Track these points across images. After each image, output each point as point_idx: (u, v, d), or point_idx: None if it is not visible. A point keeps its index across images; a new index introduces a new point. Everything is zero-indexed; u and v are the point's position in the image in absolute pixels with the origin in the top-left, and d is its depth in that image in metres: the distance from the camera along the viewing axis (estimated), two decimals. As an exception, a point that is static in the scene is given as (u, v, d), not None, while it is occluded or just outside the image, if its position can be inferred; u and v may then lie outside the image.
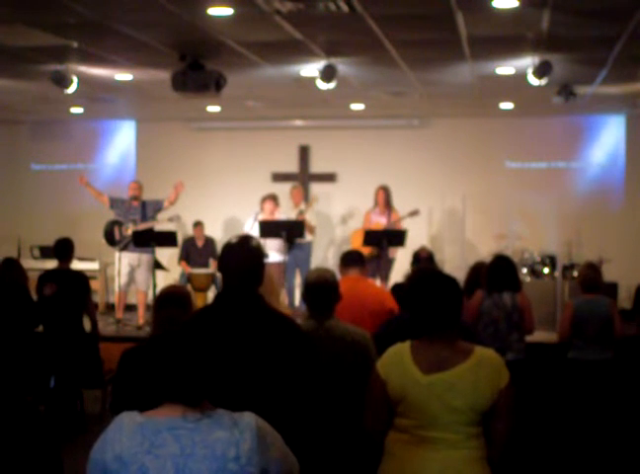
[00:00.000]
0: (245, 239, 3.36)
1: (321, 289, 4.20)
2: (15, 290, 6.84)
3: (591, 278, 6.70)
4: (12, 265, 7.07)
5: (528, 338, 6.67)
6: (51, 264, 7.95)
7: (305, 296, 4.26)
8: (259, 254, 3.32)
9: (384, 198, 11.25)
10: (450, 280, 3.27)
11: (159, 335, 2.61)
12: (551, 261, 11.32)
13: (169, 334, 2.56)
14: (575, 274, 10.98)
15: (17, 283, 6.90)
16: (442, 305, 3.17)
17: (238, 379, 3.07)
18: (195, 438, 2.43)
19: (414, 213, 11.14)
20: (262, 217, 10.90)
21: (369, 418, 3.27)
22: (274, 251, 10.53)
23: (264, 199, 11.19)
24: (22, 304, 6.79)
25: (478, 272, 6.80)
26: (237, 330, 3.15)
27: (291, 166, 13.14)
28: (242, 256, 3.26)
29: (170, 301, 4.00)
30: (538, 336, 7.70)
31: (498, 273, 6.48)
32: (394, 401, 3.15)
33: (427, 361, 3.12)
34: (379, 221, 11.21)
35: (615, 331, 6.58)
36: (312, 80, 8.69)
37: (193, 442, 2.42)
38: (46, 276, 7.57)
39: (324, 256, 12.86)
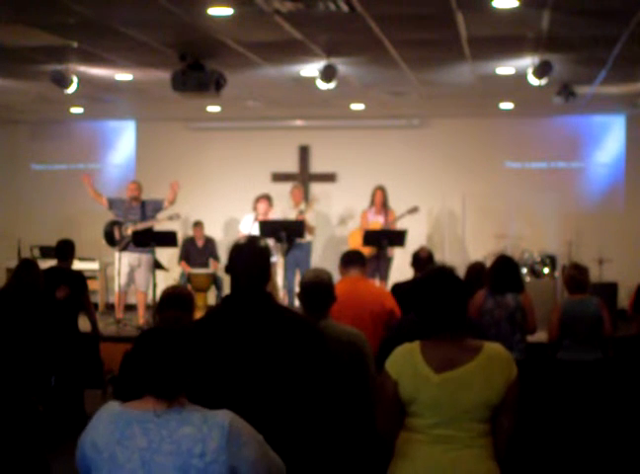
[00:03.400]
0: (253, 240, 3.38)
1: (316, 290, 4.21)
2: (32, 292, 6.82)
3: (576, 279, 6.67)
4: (30, 266, 7.04)
5: (528, 338, 6.66)
6: (52, 264, 7.96)
7: (301, 296, 4.27)
8: (266, 254, 3.34)
9: (381, 199, 11.27)
10: (456, 280, 3.27)
11: (147, 330, 2.63)
12: (551, 261, 11.32)
13: (154, 330, 2.59)
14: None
15: (34, 285, 6.88)
16: (450, 305, 3.18)
17: (253, 377, 3.08)
18: (162, 433, 2.45)
19: (413, 210, 11.16)
20: (254, 218, 10.92)
21: (381, 419, 3.26)
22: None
23: (257, 200, 11.20)
24: (35, 306, 6.78)
25: (476, 271, 6.79)
26: (251, 329, 3.16)
27: (291, 166, 13.14)
28: (251, 256, 3.28)
29: (173, 302, 4.00)
30: (538, 336, 7.69)
31: (501, 273, 6.47)
32: (406, 401, 3.14)
33: (437, 360, 3.13)
34: (377, 220, 11.22)
35: (605, 331, 6.56)
36: (312, 80, 8.69)
37: (160, 437, 2.44)
38: (46, 274, 7.57)
39: (323, 256, 12.86)
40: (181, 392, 2.51)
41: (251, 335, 3.15)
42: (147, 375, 2.49)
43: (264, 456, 2.54)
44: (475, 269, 6.86)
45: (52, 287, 7.34)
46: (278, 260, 10.76)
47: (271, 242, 10.47)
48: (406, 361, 3.18)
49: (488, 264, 7.03)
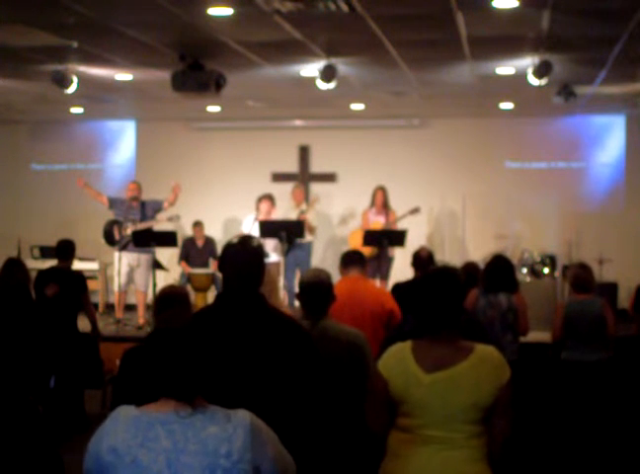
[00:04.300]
0: (246, 239, 3.36)
1: (315, 290, 4.21)
2: (18, 291, 6.84)
3: (582, 278, 6.65)
4: (15, 264, 7.07)
5: (528, 338, 6.66)
6: (52, 264, 7.98)
7: (300, 296, 4.27)
8: (260, 254, 3.32)
9: (382, 199, 11.27)
10: (454, 280, 3.26)
11: (156, 331, 2.62)
12: (551, 261, 11.33)
13: (165, 331, 2.57)
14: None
15: (20, 284, 6.90)
16: (444, 305, 3.18)
17: (240, 379, 3.07)
18: (187, 434, 2.44)
19: (415, 211, 11.18)
20: (257, 218, 10.92)
21: (371, 418, 3.27)
22: (270, 250, 10.54)
23: (260, 199, 11.20)
24: (24, 305, 6.79)
25: (468, 272, 6.78)
26: (239, 330, 3.15)
27: (291, 166, 13.14)
28: (243, 256, 3.26)
29: (170, 301, 4.01)
30: (538, 336, 7.70)
31: (495, 273, 6.46)
32: (396, 401, 3.15)
33: (428, 360, 3.13)
34: (378, 220, 11.23)
35: (609, 331, 6.55)
36: (312, 80, 8.69)
37: (185, 438, 2.43)
38: (45, 274, 7.60)
39: (324, 256, 12.86)
40: (199, 393, 2.51)
41: (238, 335, 3.14)
42: (167, 379, 2.48)
43: (281, 454, 2.57)
44: (468, 269, 6.85)
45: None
46: (280, 260, 10.74)
47: (273, 242, 10.47)
48: (397, 361, 3.18)
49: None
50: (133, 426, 2.46)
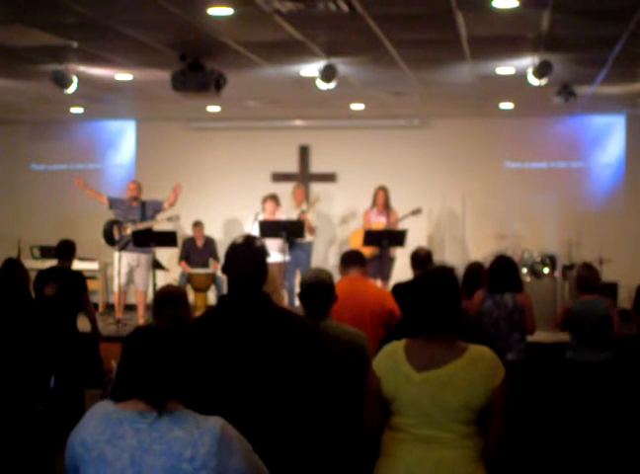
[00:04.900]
0: (249, 240, 3.37)
1: (316, 290, 4.20)
2: (17, 291, 6.84)
3: (587, 279, 6.67)
4: (14, 265, 7.08)
5: (528, 338, 6.66)
6: (52, 264, 7.99)
7: (301, 297, 4.27)
8: (263, 254, 3.34)
9: (383, 200, 11.27)
10: (450, 280, 3.26)
11: (135, 331, 2.60)
12: (551, 261, 11.32)
13: (143, 332, 2.57)
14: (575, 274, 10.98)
15: (19, 284, 6.91)
16: (439, 304, 3.17)
17: (249, 378, 3.08)
18: (153, 434, 2.44)
19: (416, 212, 11.19)
20: (262, 217, 10.92)
21: (366, 416, 3.28)
22: (274, 251, 10.54)
23: (265, 199, 11.22)
24: (23, 305, 6.79)
25: (474, 272, 6.78)
26: (247, 330, 3.16)
27: (291, 166, 13.14)
28: (247, 256, 3.28)
29: (168, 301, 4.01)
30: (538, 336, 7.69)
31: (500, 273, 6.47)
32: (388, 399, 3.15)
33: (420, 359, 3.13)
34: (379, 220, 11.23)
35: (614, 332, 6.56)
36: (312, 80, 8.69)
37: (151, 438, 2.44)
38: (45, 273, 7.61)
39: (324, 256, 12.86)
40: (170, 397, 2.50)
41: (246, 335, 3.15)
42: (136, 381, 2.49)
43: (252, 465, 2.54)
44: (473, 269, 6.85)
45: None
46: (284, 260, 10.72)
47: (277, 242, 10.45)
48: (390, 359, 3.19)
49: (488, 264, 7.02)
50: (104, 421, 2.48)
